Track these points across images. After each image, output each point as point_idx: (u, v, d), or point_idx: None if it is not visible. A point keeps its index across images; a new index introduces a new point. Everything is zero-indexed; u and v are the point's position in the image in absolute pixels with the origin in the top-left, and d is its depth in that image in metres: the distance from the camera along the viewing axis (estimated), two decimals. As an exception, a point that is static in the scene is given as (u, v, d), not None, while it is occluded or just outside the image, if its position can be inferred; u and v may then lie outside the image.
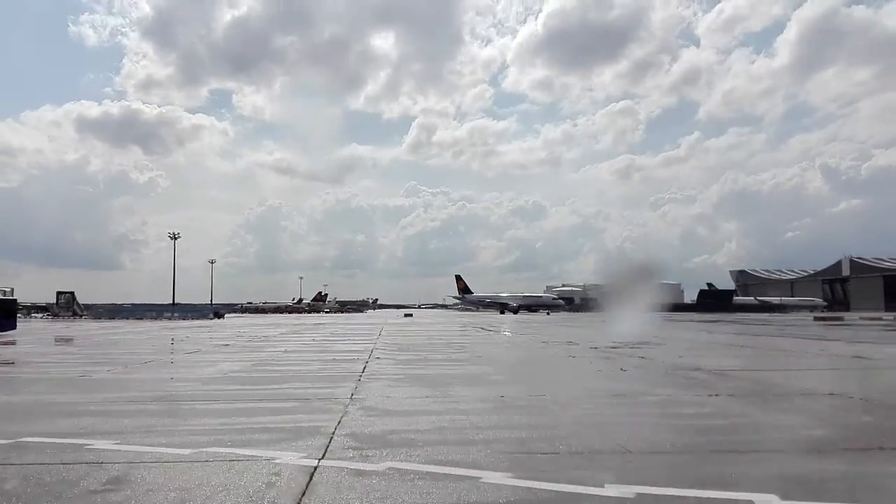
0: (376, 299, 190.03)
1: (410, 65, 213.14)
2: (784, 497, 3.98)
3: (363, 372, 11.57)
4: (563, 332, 29.01)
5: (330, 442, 5.58)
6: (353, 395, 8.56)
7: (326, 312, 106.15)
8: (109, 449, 5.32)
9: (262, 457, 5.02)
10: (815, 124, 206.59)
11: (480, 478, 4.39)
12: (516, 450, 5.36)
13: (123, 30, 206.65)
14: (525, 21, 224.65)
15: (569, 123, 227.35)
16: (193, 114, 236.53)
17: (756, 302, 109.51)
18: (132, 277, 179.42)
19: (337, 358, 15.09)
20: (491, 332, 29.64)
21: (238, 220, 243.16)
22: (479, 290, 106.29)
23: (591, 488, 4.16)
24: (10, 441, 5.59)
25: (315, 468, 4.68)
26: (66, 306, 61.52)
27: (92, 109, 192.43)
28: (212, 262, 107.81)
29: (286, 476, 4.48)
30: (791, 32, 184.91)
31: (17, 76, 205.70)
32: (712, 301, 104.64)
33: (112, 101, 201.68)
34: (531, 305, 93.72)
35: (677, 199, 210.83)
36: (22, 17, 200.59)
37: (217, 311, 67.93)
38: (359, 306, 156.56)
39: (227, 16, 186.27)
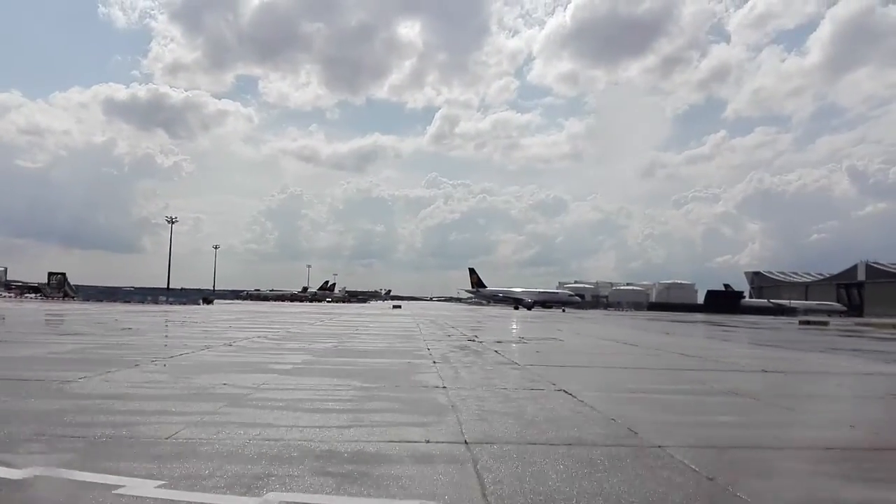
0: (389, 290, 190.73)
1: (436, 55, 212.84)
2: None
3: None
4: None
5: None
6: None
7: (328, 302, 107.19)
8: None
9: None
10: (844, 125, 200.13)
11: None
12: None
13: (152, 12, 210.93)
14: (553, 12, 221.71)
15: (593, 118, 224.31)
16: (219, 99, 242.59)
17: (769, 304, 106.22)
18: (151, 261, 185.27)
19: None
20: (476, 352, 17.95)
21: (259, 206, 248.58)
22: (495, 284, 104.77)
23: None
24: None
25: None
26: (57, 287, 63.75)
27: (119, 92, 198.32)
28: (215, 248, 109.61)
29: None
30: (824, 31, 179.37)
31: (48, 57, 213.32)
32: (721, 302, 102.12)
33: (139, 84, 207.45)
34: (546, 301, 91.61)
35: (701, 197, 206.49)
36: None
37: (206, 297, 69.38)
38: (368, 297, 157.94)
39: (254, 1, 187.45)
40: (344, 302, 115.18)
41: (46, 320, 24.27)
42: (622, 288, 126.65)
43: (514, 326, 29.83)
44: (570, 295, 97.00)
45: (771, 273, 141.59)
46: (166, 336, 17.71)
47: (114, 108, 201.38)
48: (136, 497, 3.67)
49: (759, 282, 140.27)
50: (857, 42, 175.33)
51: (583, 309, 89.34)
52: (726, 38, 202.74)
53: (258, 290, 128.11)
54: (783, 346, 21.23)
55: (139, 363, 10.03)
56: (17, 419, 5.64)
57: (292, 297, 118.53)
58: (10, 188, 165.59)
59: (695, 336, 26.54)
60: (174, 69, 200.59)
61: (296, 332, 20.47)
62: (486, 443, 5.22)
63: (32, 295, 65.66)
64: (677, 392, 8.92)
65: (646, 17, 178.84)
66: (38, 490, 3.85)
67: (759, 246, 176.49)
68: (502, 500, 3.80)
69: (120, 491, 3.74)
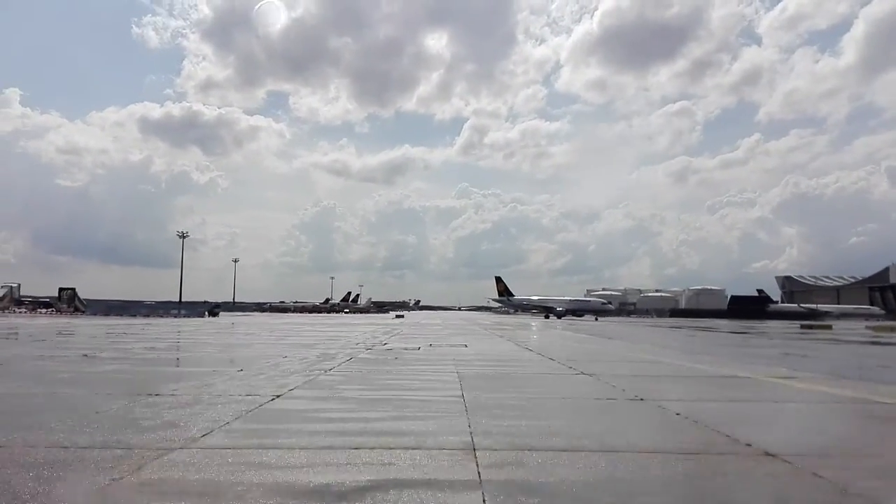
0: (418, 301, 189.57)
1: (463, 65, 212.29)
2: None
3: None
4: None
5: None
6: None
7: (346, 313, 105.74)
8: None
9: None
10: (882, 126, 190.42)
11: None
12: None
13: (184, 31, 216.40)
14: (580, 20, 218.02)
15: (623, 124, 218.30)
16: (251, 115, 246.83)
17: (800, 309, 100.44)
18: (188, 275, 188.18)
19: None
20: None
21: (293, 220, 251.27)
22: (526, 293, 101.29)
23: None
24: None
25: None
26: (68, 301, 63.62)
27: (154, 111, 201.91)
28: (235, 262, 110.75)
29: None
30: (858, 30, 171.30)
31: (85, 78, 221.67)
32: (748, 307, 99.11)
33: (173, 103, 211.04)
34: (577, 310, 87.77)
35: (736, 202, 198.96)
36: (88, 20, 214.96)
37: (211, 309, 68.11)
38: (396, 307, 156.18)
39: (283, 17, 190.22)
40: (365, 312, 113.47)
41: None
42: (650, 294, 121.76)
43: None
44: (604, 303, 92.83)
45: (802, 277, 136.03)
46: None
47: (149, 127, 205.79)
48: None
49: (791, 286, 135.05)
50: (892, 41, 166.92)
51: (615, 317, 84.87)
52: (757, 41, 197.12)
53: (282, 301, 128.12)
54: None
55: None
56: None
57: (313, 309, 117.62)
58: (51, 207, 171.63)
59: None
60: (206, 87, 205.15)
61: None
62: None
63: (44, 310, 65.81)
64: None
65: (674, 21, 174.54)
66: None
67: (797, 251, 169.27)
68: None
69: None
